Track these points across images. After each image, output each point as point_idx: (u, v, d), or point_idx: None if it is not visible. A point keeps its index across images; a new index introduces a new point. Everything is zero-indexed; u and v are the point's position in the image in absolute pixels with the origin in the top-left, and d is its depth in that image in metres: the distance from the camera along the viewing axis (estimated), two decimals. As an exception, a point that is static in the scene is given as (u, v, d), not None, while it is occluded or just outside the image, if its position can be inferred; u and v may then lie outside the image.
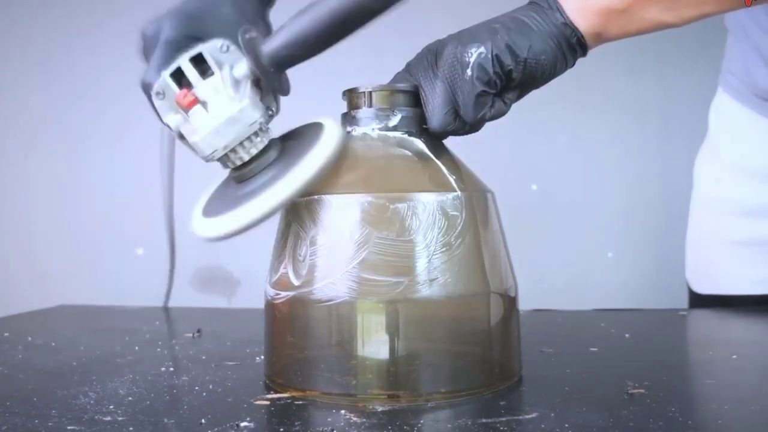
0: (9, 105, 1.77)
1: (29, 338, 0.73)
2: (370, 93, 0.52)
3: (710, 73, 1.00)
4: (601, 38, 0.56)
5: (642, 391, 0.48)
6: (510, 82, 0.52)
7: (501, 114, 0.53)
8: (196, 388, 0.52)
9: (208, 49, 0.50)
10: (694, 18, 0.59)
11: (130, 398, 0.49)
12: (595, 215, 1.78)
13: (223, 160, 0.50)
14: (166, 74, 0.50)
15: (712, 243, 0.95)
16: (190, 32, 0.52)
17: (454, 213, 0.48)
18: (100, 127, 1.75)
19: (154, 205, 1.72)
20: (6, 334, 0.76)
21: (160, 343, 0.70)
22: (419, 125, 0.53)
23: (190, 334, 0.74)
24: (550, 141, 1.77)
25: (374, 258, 0.47)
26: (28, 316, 0.92)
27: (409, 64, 0.55)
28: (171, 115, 0.51)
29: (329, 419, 0.44)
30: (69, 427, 0.43)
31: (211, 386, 0.53)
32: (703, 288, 0.96)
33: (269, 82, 0.51)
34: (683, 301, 1.00)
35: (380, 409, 0.46)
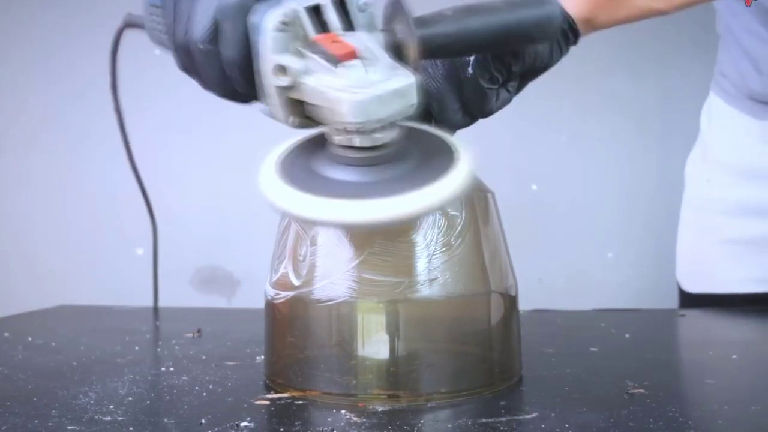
0: (9, 105, 1.77)
1: (29, 338, 0.73)
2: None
3: (708, 74, 1.00)
4: (591, 25, 0.56)
5: (642, 391, 0.48)
6: (511, 74, 0.53)
7: (506, 102, 0.54)
8: (196, 388, 0.52)
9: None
10: (684, 5, 0.59)
11: (130, 398, 0.49)
12: (595, 215, 1.78)
13: (356, 132, 0.41)
14: (300, 6, 0.40)
15: (702, 242, 0.96)
16: None
17: (454, 213, 0.48)
18: (100, 127, 1.74)
19: (154, 205, 1.72)
20: (6, 334, 0.76)
21: (160, 343, 0.70)
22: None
23: (190, 334, 0.74)
24: (550, 141, 1.77)
25: (375, 258, 0.47)
26: (28, 316, 0.92)
27: None
28: (290, 57, 0.40)
29: (329, 419, 0.44)
30: (69, 427, 0.43)
31: (211, 386, 0.53)
32: (694, 287, 0.96)
33: (407, 55, 0.43)
34: None
35: (380, 409, 0.46)
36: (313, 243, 0.48)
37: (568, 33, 0.54)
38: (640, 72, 1.74)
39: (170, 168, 1.73)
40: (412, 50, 0.42)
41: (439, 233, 0.48)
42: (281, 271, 0.50)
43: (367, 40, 0.41)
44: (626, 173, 1.76)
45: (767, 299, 0.89)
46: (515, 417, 0.44)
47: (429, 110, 0.53)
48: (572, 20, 0.54)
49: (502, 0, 0.46)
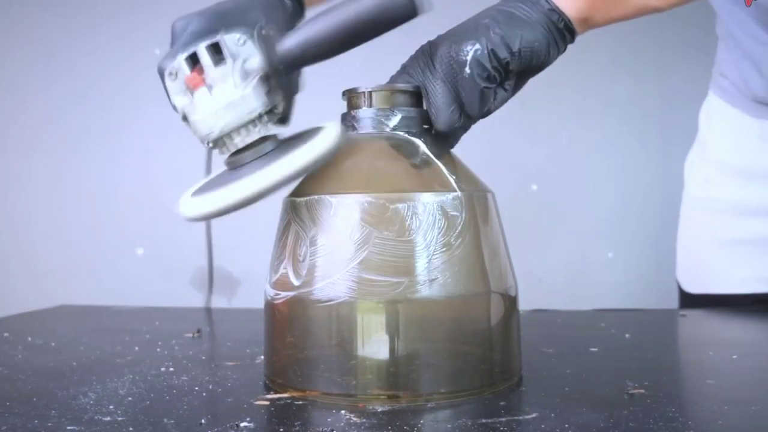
0: (9, 105, 1.77)
1: (29, 338, 0.73)
2: (370, 93, 0.52)
3: (707, 76, 1.00)
4: (588, 23, 0.56)
5: (642, 391, 0.48)
6: (508, 73, 0.53)
7: (504, 101, 0.54)
8: (196, 388, 0.52)
9: (226, 39, 0.52)
10: (680, 2, 0.59)
11: (130, 398, 0.49)
12: (595, 215, 1.78)
13: (219, 144, 0.52)
14: (181, 57, 0.52)
15: (703, 243, 0.96)
16: (215, 27, 0.53)
17: (454, 213, 0.48)
18: (100, 127, 1.75)
19: (154, 205, 1.72)
20: (6, 334, 0.76)
21: (160, 343, 0.70)
22: (419, 125, 0.53)
23: (190, 334, 0.74)
24: (550, 141, 1.77)
25: (374, 258, 0.47)
26: (28, 316, 0.92)
27: (405, 66, 0.55)
28: (180, 96, 0.52)
29: (329, 419, 0.44)
30: (69, 427, 0.43)
31: (211, 386, 0.53)
32: (694, 287, 0.96)
33: (278, 78, 0.52)
34: None
35: (380, 409, 0.46)
36: (312, 243, 0.48)
37: (565, 32, 0.55)
38: (639, 73, 1.74)
39: (170, 168, 1.73)
40: (270, 66, 0.52)
41: (439, 233, 0.48)
42: (281, 271, 0.50)
43: (229, 68, 0.51)
44: (626, 173, 1.76)
45: (756, 299, 0.89)
46: (515, 417, 0.44)
47: (428, 113, 0.53)
48: (568, 19, 0.54)
49: (352, 4, 0.51)
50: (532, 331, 0.71)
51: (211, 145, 0.52)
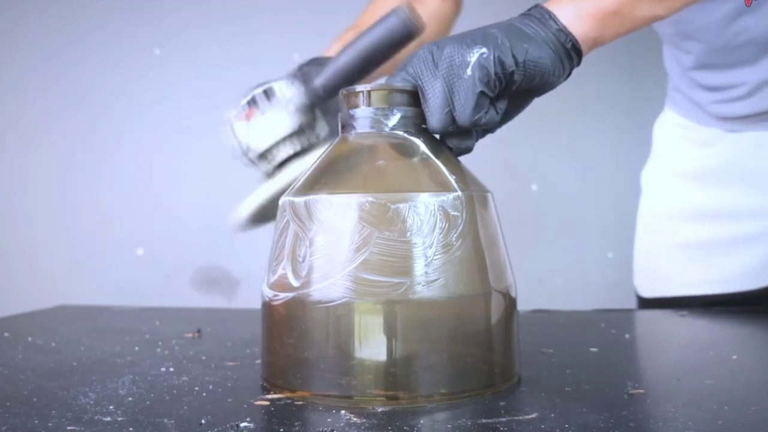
0: (9, 105, 1.77)
1: (29, 338, 0.73)
2: (369, 92, 0.52)
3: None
4: (596, 42, 0.57)
5: (642, 391, 0.48)
6: (510, 84, 0.53)
7: (492, 122, 0.53)
8: (196, 388, 0.52)
9: (275, 85, 0.68)
10: (682, 7, 0.61)
11: (130, 398, 0.49)
12: (595, 215, 1.78)
13: (265, 156, 0.67)
14: (243, 101, 0.68)
15: (658, 248, 0.98)
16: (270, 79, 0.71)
17: (455, 213, 0.48)
18: (100, 127, 1.75)
19: (154, 205, 1.72)
20: (6, 334, 0.76)
21: (160, 343, 0.70)
22: (418, 125, 0.52)
23: (190, 335, 0.74)
24: (550, 141, 1.77)
25: (375, 259, 0.47)
26: (28, 316, 0.92)
27: (406, 64, 0.54)
28: (241, 122, 0.68)
29: (329, 420, 0.44)
30: (69, 428, 0.43)
31: (211, 387, 0.53)
32: (651, 292, 0.98)
33: (320, 104, 0.67)
34: None
35: (380, 410, 0.46)
36: (312, 244, 0.48)
37: (572, 53, 0.55)
38: (639, 73, 1.74)
39: (170, 168, 1.73)
40: (312, 96, 0.68)
41: (440, 234, 0.48)
42: (279, 272, 0.50)
43: (279, 103, 0.67)
44: (626, 173, 1.76)
45: (720, 301, 0.90)
46: (515, 417, 0.44)
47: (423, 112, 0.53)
48: (576, 40, 0.54)
49: (367, 28, 0.64)
50: (532, 331, 0.71)
51: (258, 158, 0.67)
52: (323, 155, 0.54)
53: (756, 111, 0.86)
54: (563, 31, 0.54)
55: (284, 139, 0.66)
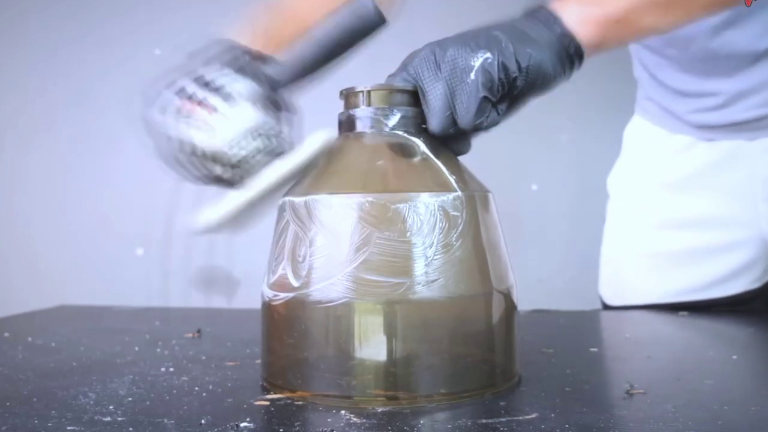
0: (9, 105, 1.77)
1: (29, 338, 0.73)
2: (369, 92, 0.52)
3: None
4: (599, 48, 0.57)
5: (642, 391, 0.48)
6: (513, 89, 0.52)
7: (494, 124, 0.53)
8: (196, 388, 0.52)
9: (205, 72, 0.54)
10: (683, 24, 0.62)
11: (129, 399, 0.49)
12: (595, 215, 1.78)
13: (240, 164, 0.54)
14: (167, 92, 0.54)
15: (628, 256, 0.98)
16: (191, 67, 0.57)
17: (455, 213, 0.48)
18: (100, 127, 1.75)
19: (154, 205, 1.72)
20: (6, 334, 0.76)
21: (160, 343, 0.70)
22: (418, 125, 0.52)
23: (190, 335, 0.74)
24: (550, 141, 1.77)
25: (375, 259, 0.47)
26: (28, 316, 0.92)
27: (407, 64, 0.54)
28: (181, 126, 0.54)
29: (329, 420, 0.44)
30: (69, 428, 0.43)
31: (211, 387, 0.53)
32: (616, 300, 0.98)
33: (274, 100, 0.56)
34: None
35: (380, 410, 0.46)
36: (312, 244, 0.48)
37: (574, 57, 0.55)
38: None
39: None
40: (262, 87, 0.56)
41: (440, 234, 0.48)
42: (279, 272, 0.50)
43: (232, 95, 0.54)
44: (626, 173, 1.76)
45: (692, 307, 0.90)
46: (515, 418, 0.44)
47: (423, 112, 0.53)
48: (579, 44, 0.55)
49: (331, 17, 0.58)
50: (532, 331, 0.71)
51: (229, 169, 0.54)
52: (323, 156, 0.54)
53: (731, 121, 0.87)
54: (568, 35, 0.54)
55: (246, 135, 0.53)
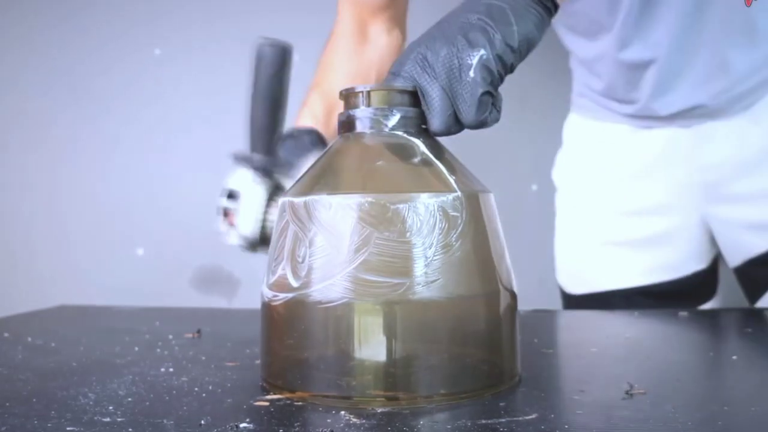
0: (9, 105, 1.77)
1: (29, 338, 0.73)
2: (368, 93, 0.52)
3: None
4: None
5: (642, 391, 0.48)
6: (509, 72, 0.53)
7: (495, 121, 0.53)
8: (196, 389, 0.52)
9: (232, 180, 0.78)
10: None
11: (129, 399, 0.49)
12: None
13: (263, 234, 0.76)
14: (219, 206, 0.79)
15: (579, 246, 1.00)
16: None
17: (455, 214, 0.48)
18: (100, 127, 1.75)
19: (154, 205, 1.72)
20: (6, 335, 0.76)
21: (159, 343, 0.70)
22: (418, 125, 0.52)
23: (190, 335, 0.74)
24: (551, 141, 1.77)
25: (375, 259, 0.47)
26: (28, 316, 0.92)
27: (399, 69, 0.54)
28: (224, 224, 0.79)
29: (329, 420, 0.44)
30: (68, 428, 0.43)
31: (210, 387, 0.53)
32: (578, 289, 0.99)
33: (265, 164, 0.76)
34: (726, 299, 1.01)
35: (379, 410, 0.46)
36: (312, 244, 0.48)
37: (551, 9, 0.55)
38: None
39: (170, 168, 1.73)
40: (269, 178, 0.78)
41: (439, 234, 0.48)
42: (279, 272, 0.50)
43: (244, 201, 0.77)
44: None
45: (644, 292, 0.94)
46: (515, 418, 0.44)
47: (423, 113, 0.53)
48: None
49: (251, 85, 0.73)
50: (532, 331, 0.71)
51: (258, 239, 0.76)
52: (323, 156, 0.54)
53: (658, 113, 0.90)
54: None
55: (266, 209, 0.75)
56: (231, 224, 0.76)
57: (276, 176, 0.76)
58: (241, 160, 0.76)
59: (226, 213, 0.77)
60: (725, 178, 0.90)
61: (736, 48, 0.84)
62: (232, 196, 0.76)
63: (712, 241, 0.96)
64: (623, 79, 0.90)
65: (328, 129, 0.85)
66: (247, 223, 0.75)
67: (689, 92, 0.87)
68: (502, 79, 0.52)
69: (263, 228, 0.75)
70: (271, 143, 0.73)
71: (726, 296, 1.01)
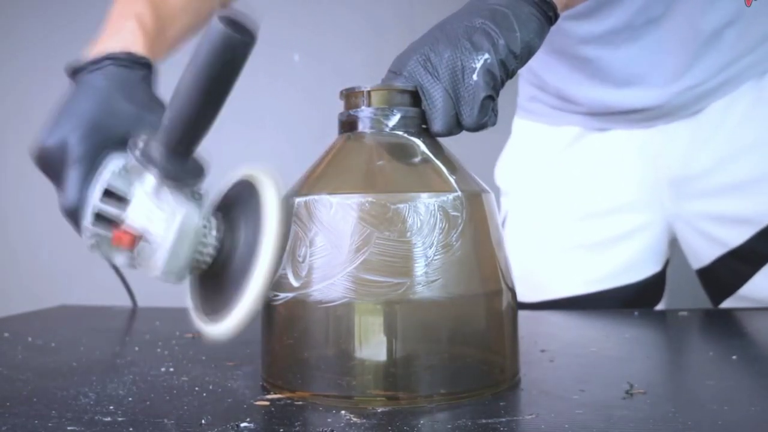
0: (9, 104, 1.77)
1: (29, 338, 0.73)
2: (369, 92, 0.52)
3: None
4: (566, 7, 0.59)
5: (642, 391, 0.48)
6: (510, 77, 0.54)
7: (493, 124, 0.54)
8: (196, 388, 0.52)
9: (110, 179, 0.48)
10: None
11: (130, 399, 0.49)
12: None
13: (191, 270, 0.49)
14: (89, 225, 0.48)
15: (532, 252, 0.97)
16: (97, 144, 0.50)
17: (455, 213, 0.48)
18: (100, 127, 1.75)
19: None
20: (6, 335, 0.76)
21: (160, 343, 0.70)
22: (418, 125, 0.52)
23: (190, 335, 0.74)
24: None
25: (375, 259, 0.47)
26: (28, 316, 0.92)
27: (400, 68, 0.54)
28: (116, 254, 0.50)
29: (329, 420, 0.44)
30: (69, 428, 0.43)
31: (211, 387, 0.53)
32: (533, 297, 0.97)
33: (179, 180, 0.47)
34: (683, 302, 1.00)
35: (380, 410, 0.46)
36: (312, 244, 0.48)
37: (552, 19, 0.56)
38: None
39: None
40: (166, 177, 0.47)
41: (440, 234, 0.48)
42: (280, 272, 0.50)
43: (141, 205, 0.48)
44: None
45: (592, 298, 0.93)
46: (515, 418, 0.44)
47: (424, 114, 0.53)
48: (555, 6, 0.56)
49: (192, 65, 0.44)
50: (532, 331, 0.71)
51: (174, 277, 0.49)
52: (324, 155, 0.54)
53: (629, 107, 0.88)
54: (546, 1, 0.55)
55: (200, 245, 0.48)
56: (131, 246, 0.48)
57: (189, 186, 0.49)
58: (146, 160, 0.47)
59: (102, 219, 0.49)
60: (696, 174, 0.88)
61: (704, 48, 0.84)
62: (115, 197, 0.49)
63: (669, 243, 0.95)
64: (591, 69, 0.89)
65: (159, 47, 0.64)
66: (172, 252, 0.47)
67: (652, 89, 0.86)
68: (503, 84, 0.53)
69: (198, 258, 0.48)
70: (192, 146, 0.47)
71: (671, 302, 1.00)
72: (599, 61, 0.87)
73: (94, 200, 0.48)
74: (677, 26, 0.83)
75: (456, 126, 0.52)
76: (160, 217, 0.47)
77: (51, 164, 0.52)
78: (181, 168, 0.47)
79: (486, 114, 0.52)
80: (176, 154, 0.47)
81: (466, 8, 0.55)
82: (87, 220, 0.49)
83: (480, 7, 0.54)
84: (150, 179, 0.47)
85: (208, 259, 0.48)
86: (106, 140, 0.51)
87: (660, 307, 0.98)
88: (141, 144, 0.48)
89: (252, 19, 0.43)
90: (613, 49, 0.86)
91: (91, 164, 0.50)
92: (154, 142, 0.47)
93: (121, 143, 0.50)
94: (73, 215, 0.50)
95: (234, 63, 0.44)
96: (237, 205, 0.49)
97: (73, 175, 0.50)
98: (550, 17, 0.56)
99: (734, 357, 0.60)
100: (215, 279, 0.49)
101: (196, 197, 0.49)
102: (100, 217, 0.48)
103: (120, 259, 0.50)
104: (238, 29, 0.42)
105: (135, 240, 0.48)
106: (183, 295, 0.53)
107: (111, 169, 0.49)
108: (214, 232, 0.48)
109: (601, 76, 0.88)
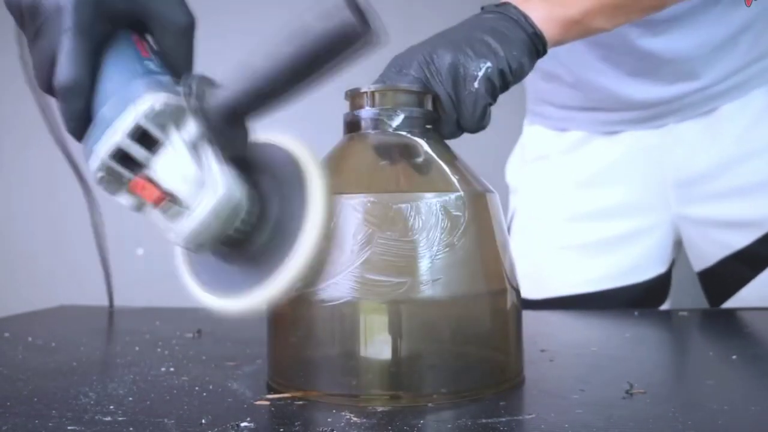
0: (9, 104, 1.77)
1: (29, 338, 0.73)
2: (373, 93, 0.52)
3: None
4: (556, 45, 0.61)
5: (642, 391, 0.48)
6: (503, 91, 0.56)
7: (485, 127, 0.56)
8: (196, 388, 0.52)
9: (145, 114, 0.39)
10: (625, 23, 0.68)
11: (130, 398, 0.49)
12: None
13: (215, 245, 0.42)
14: (105, 156, 0.40)
15: (539, 250, 0.99)
16: (101, 17, 0.42)
17: (457, 213, 0.48)
18: (99, 127, 1.75)
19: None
20: (6, 334, 0.76)
21: (160, 343, 0.70)
22: (422, 125, 0.53)
23: (190, 335, 0.74)
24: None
25: (377, 258, 0.47)
26: (28, 316, 0.92)
27: (401, 68, 0.54)
28: (125, 195, 0.41)
29: (329, 419, 0.44)
30: (69, 428, 0.43)
31: (211, 386, 0.53)
32: (538, 294, 0.98)
33: (230, 149, 0.40)
34: (683, 302, 1.00)
35: (380, 409, 0.46)
36: (314, 243, 0.48)
37: (541, 53, 0.58)
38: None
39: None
40: (212, 131, 0.40)
41: (442, 233, 0.48)
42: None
43: (176, 157, 0.40)
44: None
45: (597, 297, 0.94)
46: (515, 417, 0.44)
47: (430, 114, 0.54)
48: (546, 43, 0.58)
49: (288, 32, 0.38)
50: (532, 331, 0.71)
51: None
52: (328, 156, 0.54)
53: (659, 98, 0.88)
54: (539, 35, 0.57)
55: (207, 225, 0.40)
56: (158, 203, 0.40)
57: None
58: (202, 111, 0.39)
59: (130, 165, 0.40)
60: (702, 175, 0.89)
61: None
62: (149, 142, 0.40)
63: (675, 245, 0.95)
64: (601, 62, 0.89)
65: None
66: (203, 224, 0.39)
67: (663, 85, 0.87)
68: (500, 93, 0.55)
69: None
70: (256, 119, 0.41)
71: (673, 303, 1.00)
72: (620, 47, 0.87)
73: (121, 134, 0.39)
74: (697, 27, 0.83)
75: (457, 129, 0.54)
76: (196, 179, 0.39)
77: (40, 31, 0.43)
78: (236, 135, 0.40)
79: (485, 119, 0.54)
80: (237, 119, 0.40)
81: (467, 24, 0.58)
82: (104, 149, 0.40)
83: (480, 25, 0.56)
84: (192, 130, 0.39)
85: (239, 236, 0.41)
86: (109, 14, 0.43)
87: (664, 307, 0.98)
88: (194, 87, 0.40)
89: (375, 14, 0.37)
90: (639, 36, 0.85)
91: (90, 38, 0.42)
92: (214, 96, 0.39)
93: (121, 20, 0.43)
94: (66, 94, 0.41)
95: (339, 51, 0.38)
96: (271, 175, 0.43)
97: (68, 46, 0.41)
98: (539, 51, 0.58)
99: (734, 357, 0.60)
100: (238, 253, 0.42)
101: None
102: (119, 153, 0.40)
103: (128, 201, 0.41)
104: (361, 21, 0.36)
105: (163, 197, 0.40)
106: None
107: (148, 103, 0.39)
108: (251, 209, 0.41)
109: (614, 60, 0.88)
